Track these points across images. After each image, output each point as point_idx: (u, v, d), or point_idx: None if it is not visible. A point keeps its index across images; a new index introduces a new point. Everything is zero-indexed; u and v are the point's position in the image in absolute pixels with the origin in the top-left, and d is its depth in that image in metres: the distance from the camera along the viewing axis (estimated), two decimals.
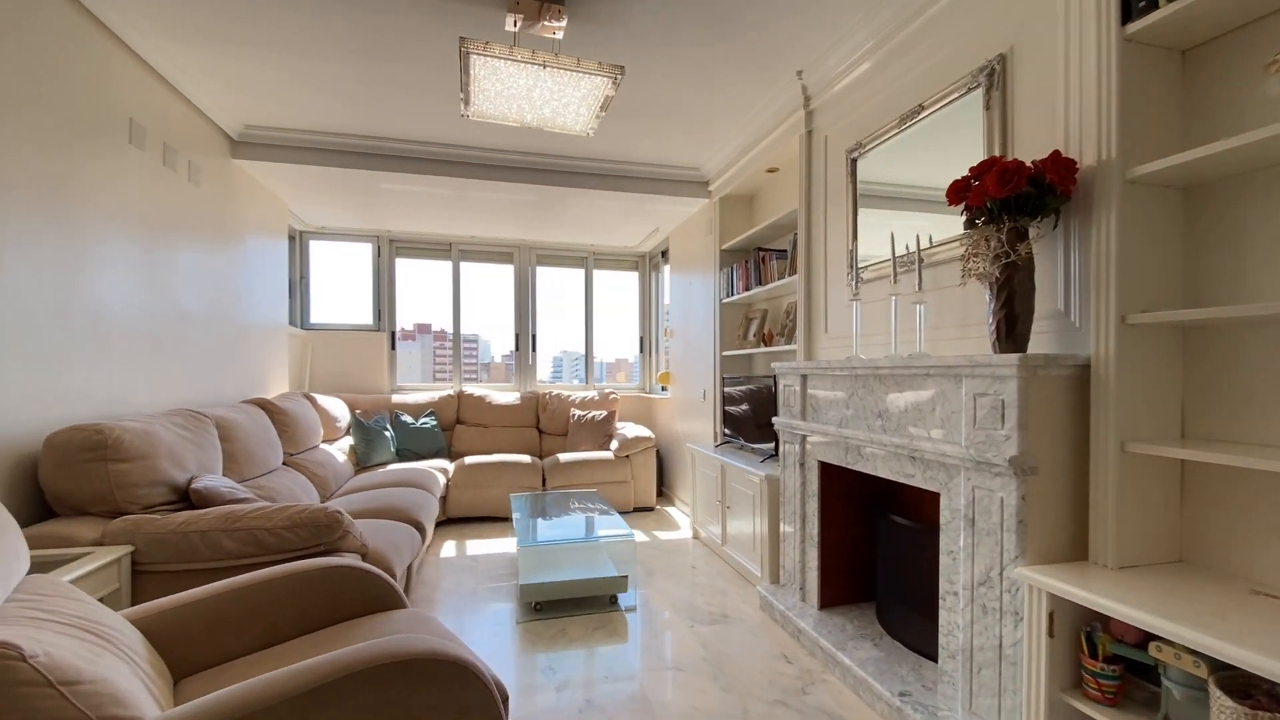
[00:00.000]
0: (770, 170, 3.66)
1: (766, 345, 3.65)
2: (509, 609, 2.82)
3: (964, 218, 1.81)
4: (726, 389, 3.84)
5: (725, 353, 4.06)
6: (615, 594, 2.88)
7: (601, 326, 6.11)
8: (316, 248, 5.43)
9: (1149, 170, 1.44)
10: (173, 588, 1.85)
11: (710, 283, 4.27)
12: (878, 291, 2.52)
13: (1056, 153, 1.58)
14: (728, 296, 4.03)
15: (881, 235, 2.48)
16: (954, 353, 2.09)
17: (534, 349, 5.76)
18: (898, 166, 2.40)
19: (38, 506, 2.01)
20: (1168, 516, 1.54)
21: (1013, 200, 1.63)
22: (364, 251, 5.51)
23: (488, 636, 2.54)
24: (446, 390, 5.26)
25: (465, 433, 5.02)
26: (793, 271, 3.27)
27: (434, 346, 5.94)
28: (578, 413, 5.08)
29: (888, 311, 2.42)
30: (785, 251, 3.48)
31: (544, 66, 2.09)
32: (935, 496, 2.24)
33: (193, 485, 2.11)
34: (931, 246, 2.17)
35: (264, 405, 3.39)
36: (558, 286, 6.03)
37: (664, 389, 5.43)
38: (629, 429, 4.93)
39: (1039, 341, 1.75)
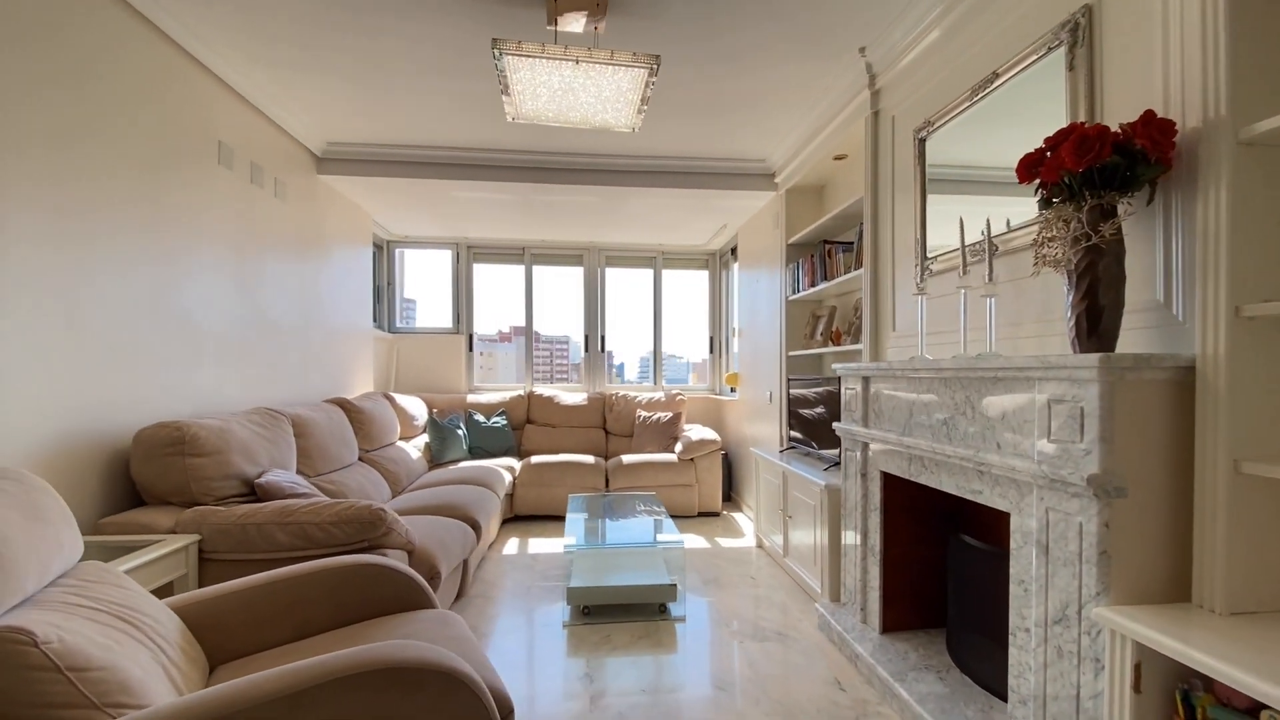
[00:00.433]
0: (838, 158, 3.43)
1: (834, 344, 3.42)
2: (559, 611, 2.81)
3: (1038, 197, 1.57)
4: (794, 390, 3.64)
5: (791, 353, 3.86)
6: (665, 602, 2.79)
7: (677, 327, 6.04)
8: (411, 257, 5.78)
9: (1268, 128, 1.17)
10: (234, 576, 1.99)
11: (776, 279, 4.08)
12: (947, 285, 2.27)
13: (1149, 113, 1.32)
14: (794, 293, 3.83)
15: (953, 224, 2.23)
16: (1036, 352, 1.83)
17: (603, 350, 5.78)
18: (970, 145, 2.14)
19: (131, 495, 2.23)
20: None
21: (1095, 172, 1.39)
22: (445, 258, 5.78)
23: (532, 638, 2.54)
24: (518, 390, 5.39)
25: (534, 432, 5.12)
26: (859, 265, 3.04)
27: (533, 348, 6.16)
28: (643, 414, 5.04)
29: (960, 307, 2.17)
30: (852, 244, 3.24)
31: (577, 62, 2.05)
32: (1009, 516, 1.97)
33: (256, 480, 2.26)
34: (1008, 231, 1.92)
35: (342, 404, 3.62)
36: (646, 287, 6.00)
37: (733, 390, 5.27)
38: (695, 431, 4.82)
39: (1131, 339, 1.48)
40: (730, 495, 5.13)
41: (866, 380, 2.43)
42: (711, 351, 5.98)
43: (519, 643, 2.50)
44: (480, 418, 4.92)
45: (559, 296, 5.90)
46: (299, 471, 2.86)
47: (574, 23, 2.22)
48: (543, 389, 5.43)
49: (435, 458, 4.52)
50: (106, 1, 2.13)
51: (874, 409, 2.38)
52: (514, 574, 3.33)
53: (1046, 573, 1.47)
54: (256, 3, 2.32)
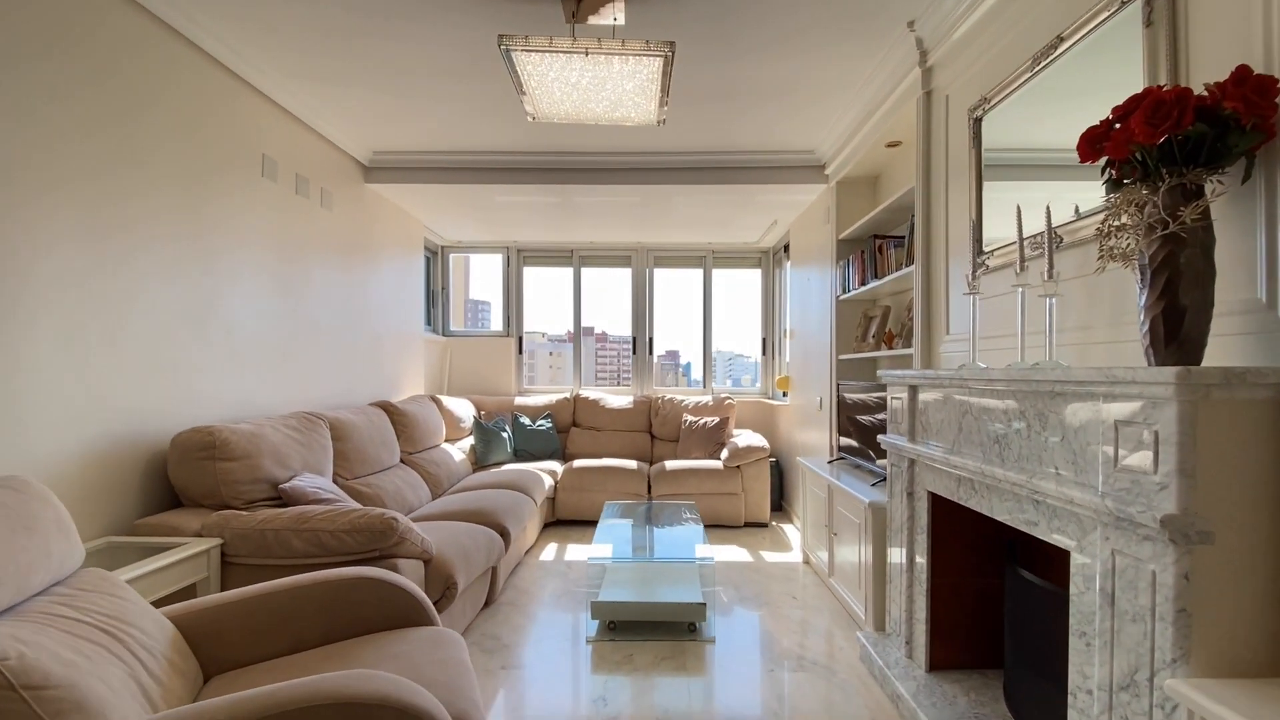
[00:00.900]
0: (891, 145, 3.15)
1: (887, 347, 3.15)
2: (585, 623, 2.72)
3: (1105, 179, 1.33)
4: (847, 396, 3.38)
5: (842, 356, 3.60)
6: (696, 621, 2.65)
7: (735, 327, 5.86)
8: (476, 262, 5.91)
9: None
10: (255, 580, 2.02)
11: (827, 277, 3.83)
12: (1003, 283, 2.00)
13: (1243, 69, 1.07)
14: (844, 292, 3.57)
15: (1012, 214, 1.97)
16: (1108, 362, 1.56)
17: (651, 351, 5.67)
18: (1030, 125, 1.88)
19: (172, 497, 2.33)
20: None
21: (1174, 145, 1.14)
22: (496, 262, 5.85)
23: (552, 653, 2.46)
24: (564, 393, 5.37)
25: (579, 436, 5.08)
26: (909, 261, 2.77)
27: (595, 349, 6.15)
28: (690, 418, 4.89)
29: (1017, 308, 1.91)
30: (903, 238, 2.97)
31: (586, 54, 1.95)
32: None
33: (280, 484, 2.30)
34: (1076, 218, 1.65)
35: (386, 407, 3.69)
36: (722, 288, 5.87)
37: (784, 395, 5.02)
38: (743, 437, 4.62)
39: (1221, 349, 1.22)
40: (780, 505, 4.89)
41: (914, 389, 2.19)
42: (764, 353, 5.74)
43: (538, 656, 2.43)
44: (526, 420, 4.93)
45: (622, 297, 5.84)
46: (336, 474, 2.93)
47: (604, 16, 2.12)
48: (589, 391, 5.39)
49: (480, 460, 4.56)
50: (151, 28, 2.22)
51: (921, 421, 2.14)
52: (547, 582, 3.28)
53: (1112, 627, 1.23)
54: (286, 19, 2.37)
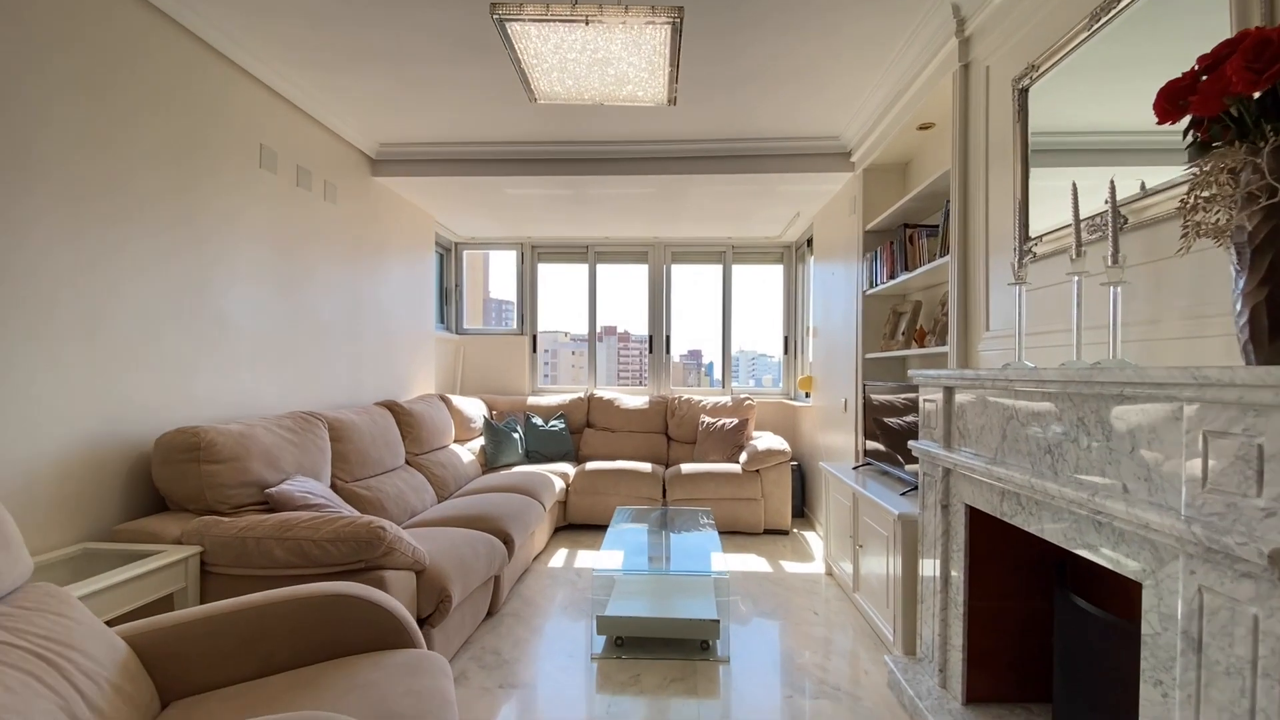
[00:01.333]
0: (923, 127, 2.93)
1: (918, 345, 2.94)
2: (590, 639, 2.56)
3: (1189, 143, 1.12)
4: (874, 397, 3.17)
5: (868, 355, 3.39)
6: (709, 639, 2.47)
7: (755, 325, 5.66)
8: (495, 260, 5.81)
9: None
10: (236, 591, 1.90)
11: (853, 271, 3.61)
12: (1054, 271, 1.79)
13: None
14: (871, 287, 3.35)
15: (1060, 200, 1.76)
16: (1183, 360, 1.35)
17: (668, 350, 5.49)
18: (1087, 100, 1.65)
19: (158, 500, 2.23)
20: None
21: None
22: (510, 259, 5.73)
23: (555, 670, 2.31)
24: (578, 393, 5.22)
25: (593, 437, 4.92)
26: (944, 251, 2.55)
27: (618, 348, 5.99)
28: (707, 419, 4.70)
29: (1072, 299, 1.70)
30: (937, 227, 2.74)
31: (587, 22, 1.78)
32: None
33: (267, 489, 2.18)
34: (1142, 195, 1.44)
35: (391, 407, 3.58)
36: (742, 285, 5.69)
37: (806, 396, 4.80)
38: (763, 440, 4.41)
39: None
40: (802, 511, 4.67)
41: (949, 391, 1.98)
42: (786, 352, 5.52)
43: (540, 674, 2.28)
44: (538, 420, 4.80)
45: (641, 295, 5.67)
46: (335, 477, 2.81)
47: None
48: (603, 391, 5.23)
49: (490, 461, 4.43)
50: (134, 5, 2.12)
51: (958, 427, 1.93)
52: (555, 590, 3.13)
53: (1198, 679, 1.02)
54: (282, 5, 2.26)
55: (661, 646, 2.48)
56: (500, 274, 5.86)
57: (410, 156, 3.80)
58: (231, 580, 1.92)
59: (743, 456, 4.27)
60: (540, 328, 5.67)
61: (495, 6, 1.75)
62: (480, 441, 4.57)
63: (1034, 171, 1.90)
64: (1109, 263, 1.36)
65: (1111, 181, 1.38)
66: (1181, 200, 1.10)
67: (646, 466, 4.34)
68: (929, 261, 2.68)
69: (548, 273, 5.72)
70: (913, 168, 3.37)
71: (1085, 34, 1.61)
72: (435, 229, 4.90)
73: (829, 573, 3.38)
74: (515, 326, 5.65)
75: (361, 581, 1.90)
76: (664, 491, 4.24)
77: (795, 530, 4.32)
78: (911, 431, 2.67)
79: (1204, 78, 1.04)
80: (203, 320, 2.45)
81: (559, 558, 3.67)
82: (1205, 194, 1.06)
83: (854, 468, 3.29)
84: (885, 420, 2.99)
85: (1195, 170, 1.09)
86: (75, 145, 1.92)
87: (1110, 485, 1.24)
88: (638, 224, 4.93)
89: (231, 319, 2.61)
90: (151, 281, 2.21)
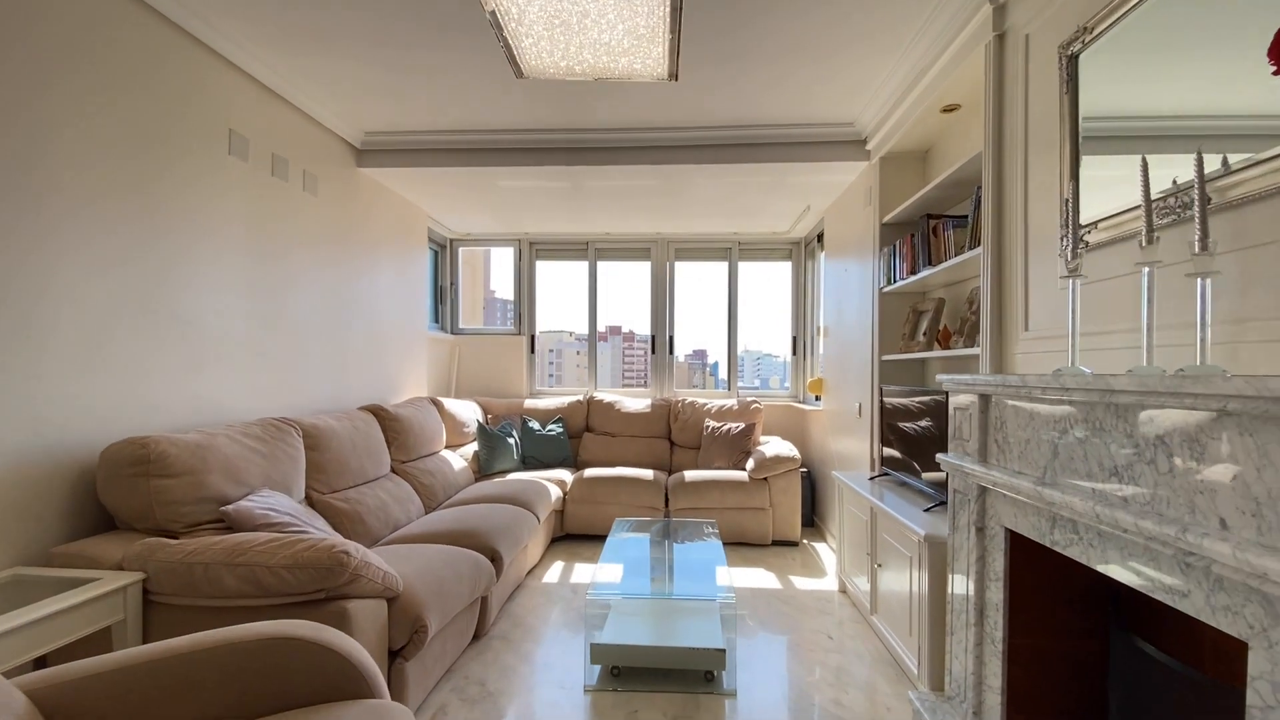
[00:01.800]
0: (947, 109, 2.70)
1: (942, 347, 2.70)
2: (584, 666, 2.35)
3: None
4: (890, 400, 2.94)
5: (885, 357, 3.15)
6: (714, 669, 2.25)
7: (762, 324, 5.43)
8: (496, 257, 5.61)
9: None
10: (183, 623, 1.70)
11: (868, 267, 3.38)
12: (1114, 263, 1.56)
13: None
14: (889, 284, 3.12)
15: (1110, 191, 1.53)
16: (1274, 368, 1.12)
17: (671, 351, 5.27)
18: (1151, 76, 1.42)
19: (106, 518, 2.03)
20: None
21: None
22: (507, 256, 5.52)
23: (544, 704, 2.09)
24: (577, 395, 5.01)
25: (593, 441, 4.71)
26: (974, 243, 2.32)
27: (622, 349, 5.75)
28: (712, 424, 4.47)
29: (1133, 294, 1.47)
30: (965, 218, 2.51)
31: None
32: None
33: (223, 507, 1.97)
34: (1225, 171, 1.21)
35: (376, 411, 3.37)
36: (749, 283, 5.46)
37: (817, 399, 4.57)
38: (771, 446, 4.18)
39: None
40: (813, 520, 4.44)
41: (985, 399, 1.75)
42: (795, 353, 5.29)
43: (527, 708, 2.06)
44: (535, 425, 4.58)
45: (644, 293, 5.45)
46: (310, 488, 2.61)
47: None
48: (604, 394, 5.01)
49: (483, 468, 4.22)
50: None
51: (996, 439, 1.70)
52: (549, 609, 2.91)
53: None
54: None
55: (660, 678, 2.26)
56: (502, 272, 5.66)
57: (398, 146, 3.59)
58: (180, 612, 1.71)
59: (749, 463, 4.04)
60: (543, 327, 5.46)
61: None
62: (474, 447, 4.36)
63: (1085, 159, 1.67)
64: (1195, 249, 1.13)
65: (1199, 153, 1.15)
66: None
67: (648, 473, 4.11)
68: (955, 255, 2.45)
69: (547, 270, 5.51)
70: (934, 154, 3.13)
71: None
72: (428, 224, 4.70)
73: (842, 589, 3.16)
74: (513, 326, 5.44)
75: (325, 613, 1.69)
76: (666, 500, 4.02)
77: (805, 541, 4.08)
78: (932, 439, 2.44)
79: None
80: (161, 319, 2.25)
81: (554, 571, 3.46)
82: None
83: (870, 478, 3.06)
84: (903, 426, 2.76)
85: None
86: (21, 134, 1.71)
87: (1202, 519, 1.02)
88: (639, 219, 4.71)
89: (194, 317, 2.40)
90: (101, 277, 2.00)
